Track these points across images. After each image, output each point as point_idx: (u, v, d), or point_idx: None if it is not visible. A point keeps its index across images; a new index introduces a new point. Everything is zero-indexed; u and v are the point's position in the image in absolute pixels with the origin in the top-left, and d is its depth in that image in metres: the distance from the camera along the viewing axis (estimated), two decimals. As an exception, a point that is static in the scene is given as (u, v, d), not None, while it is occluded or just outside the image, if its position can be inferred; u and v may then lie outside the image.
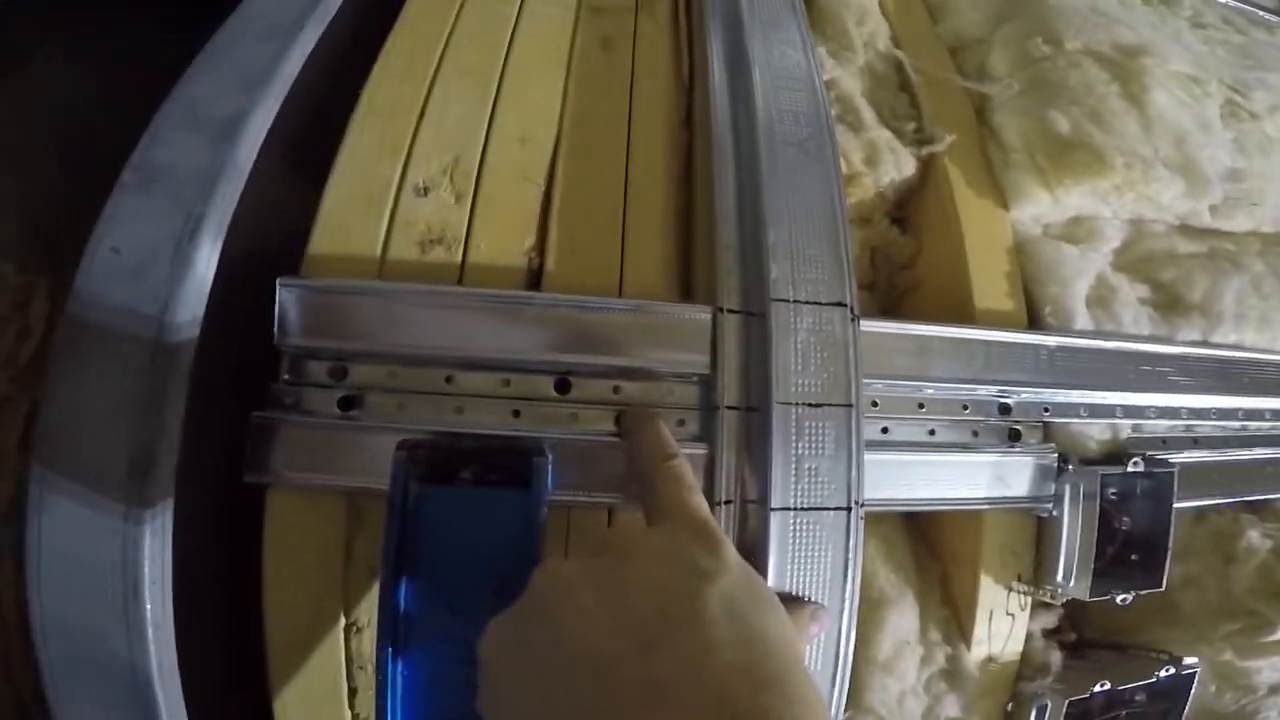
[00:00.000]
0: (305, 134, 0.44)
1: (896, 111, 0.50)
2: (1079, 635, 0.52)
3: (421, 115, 0.44)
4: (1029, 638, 0.46)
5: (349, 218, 0.40)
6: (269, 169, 0.41)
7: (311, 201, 0.41)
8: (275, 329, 0.37)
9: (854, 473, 0.34)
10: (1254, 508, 0.50)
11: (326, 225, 0.40)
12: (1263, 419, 0.49)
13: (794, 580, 0.34)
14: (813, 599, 0.35)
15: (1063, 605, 0.49)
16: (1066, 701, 0.44)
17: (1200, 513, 0.50)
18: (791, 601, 0.34)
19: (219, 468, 0.37)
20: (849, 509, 0.34)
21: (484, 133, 0.44)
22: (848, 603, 0.35)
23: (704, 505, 0.32)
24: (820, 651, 0.35)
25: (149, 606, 0.33)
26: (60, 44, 0.59)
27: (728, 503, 0.36)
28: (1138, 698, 0.48)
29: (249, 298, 0.38)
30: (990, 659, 0.45)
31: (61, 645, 0.34)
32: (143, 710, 0.34)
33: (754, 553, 0.34)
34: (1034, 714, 0.44)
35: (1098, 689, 0.44)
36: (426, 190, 0.41)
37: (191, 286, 0.35)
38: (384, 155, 0.42)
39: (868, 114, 0.47)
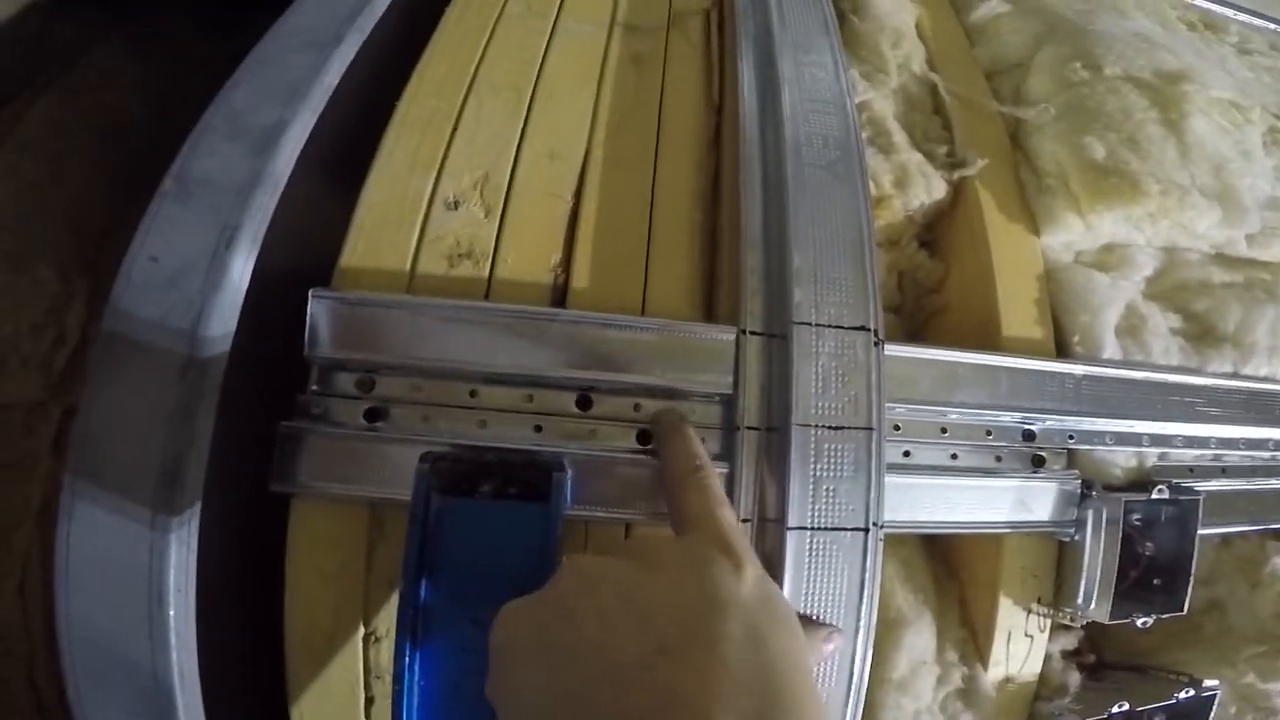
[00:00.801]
0: (341, 145, 0.45)
1: (929, 134, 0.50)
2: (1099, 657, 0.51)
3: (454, 130, 0.45)
4: (1047, 659, 0.46)
5: (381, 231, 0.41)
6: (305, 179, 0.42)
7: (344, 212, 0.42)
8: (306, 340, 0.37)
9: (873, 494, 0.34)
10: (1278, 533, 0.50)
11: (358, 238, 0.41)
12: (1294, 451, 0.48)
13: (810, 599, 0.35)
14: (828, 619, 0.35)
15: (1082, 627, 0.48)
16: None
17: (1225, 538, 0.49)
18: (807, 623, 0.34)
19: (246, 477, 0.38)
20: (867, 530, 0.34)
21: (515, 148, 0.45)
22: (864, 623, 0.35)
23: (731, 517, 0.32)
24: (835, 671, 0.35)
25: (172, 614, 0.34)
26: (107, 48, 0.61)
27: (746, 521, 0.36)
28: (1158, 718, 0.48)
29: (281, 308, 0.39)
30: (1008, 680, 0.45)
31: (86, 651, 0.35)
32: (163, 717, 0.35)
33: (771, 571, 0.34)
34: None
35: (1116, 710, 0.44)
36: (457, 204, 0.42)
37: (226, 297, 0.36)
38: (416, 169, 0.43)
39: (899, 136, 0.47)
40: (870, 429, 0.35)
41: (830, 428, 0.35)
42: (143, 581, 0.34)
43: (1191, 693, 0.46)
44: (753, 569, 0.29)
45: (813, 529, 0.34)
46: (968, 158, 0.47)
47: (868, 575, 0.35)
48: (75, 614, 0.34)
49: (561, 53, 0.49)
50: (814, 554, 0.34)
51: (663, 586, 0.27)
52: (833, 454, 0.35)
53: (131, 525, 0.34)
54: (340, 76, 0.45)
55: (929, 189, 0.46)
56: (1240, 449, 0.47)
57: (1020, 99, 0.51)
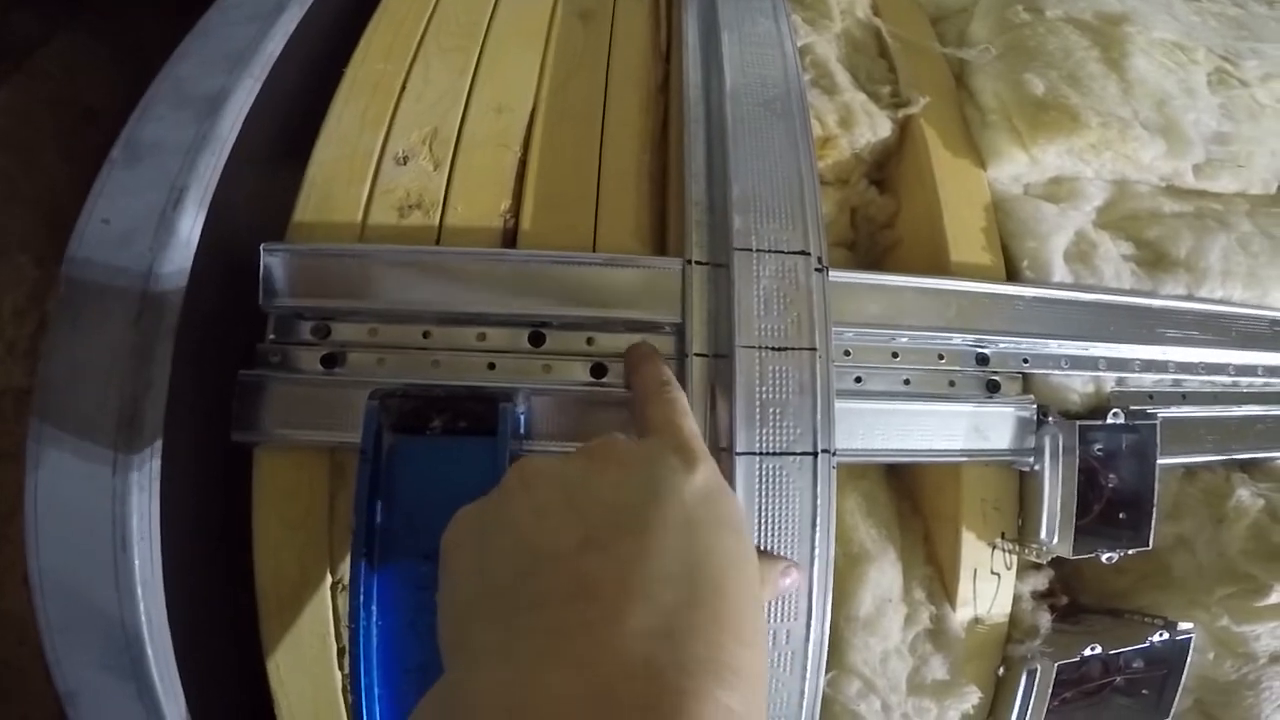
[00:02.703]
0: (291, 111, 0.46)
1: (874, 76, 0.51)
2: (1073, 600, 0.52)
3: (402, 90, 0.47)
4: (1017, 600, 0.47)
5: (331, 187, 0.43)
6: (254, 144, 0.44)
7: (296, 173, 0.43)
8: (260, 292, 0.39)
9: (820, 417, 0.36)
10: (1246, 467, 0.50)
11: (310, 194, 0.42)
12: (1255, 374, 0.50)
13: (763, 528, 0.35)
14: (783, 549, 0.35)
15: (1052, 566, 0.49)
16: (1056, 665, 0.44)
17: (1190, 471, 0.50)
18: (764, 555, 0.35)
19: (207, 427, 0.39)
20: (815, 454, 0.35)
21: (463, 105, 0.46)
22: (819, 552, 0.36)
23: (691, 426, 0.32)
24: (794, 604, 0.36)
25: (137, 561, 0.35)
26: (69, 36, 0.63)
27: (698, 449, 0.37)
28: (1134, 664, 0.48)
29: (236, 264, 0.40)
30: (977, 620, 0.46)
31: (58, 603, 0.36)
32: (134, 666, 0.36)
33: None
34: (1024, 678, 0.45)
35: (1088, 653, 0.45)
36: (406, 159, 0.44)
37: (175, 251, 0.38)
38: (366, 128, 0.45)
39: (842, 78, 0.49)
40: (814, 349, 0.36)
41: (774, 349, 0.36)
42: (106, 526, 0.35)
43: (1166, 635, 0.46)
44: (705, 469, 0.29)
45: (761, 454, 0.35)
46: (911, 97, 0.48)
47: (820, 501, 0.36)
48: (46, 566, 0.36)
49: (508, 13, 0.51)
50: (764, 480, 0.35)
51: (605, 482, 0.28)
52: (777, 375, 0.36)
53: (94, 470, 0.35)
54: (284, 45, 0.46)
55: (874, 127, 0.48)
56: (1200, 374, 0.48)
57: (964, 42, 0.52)
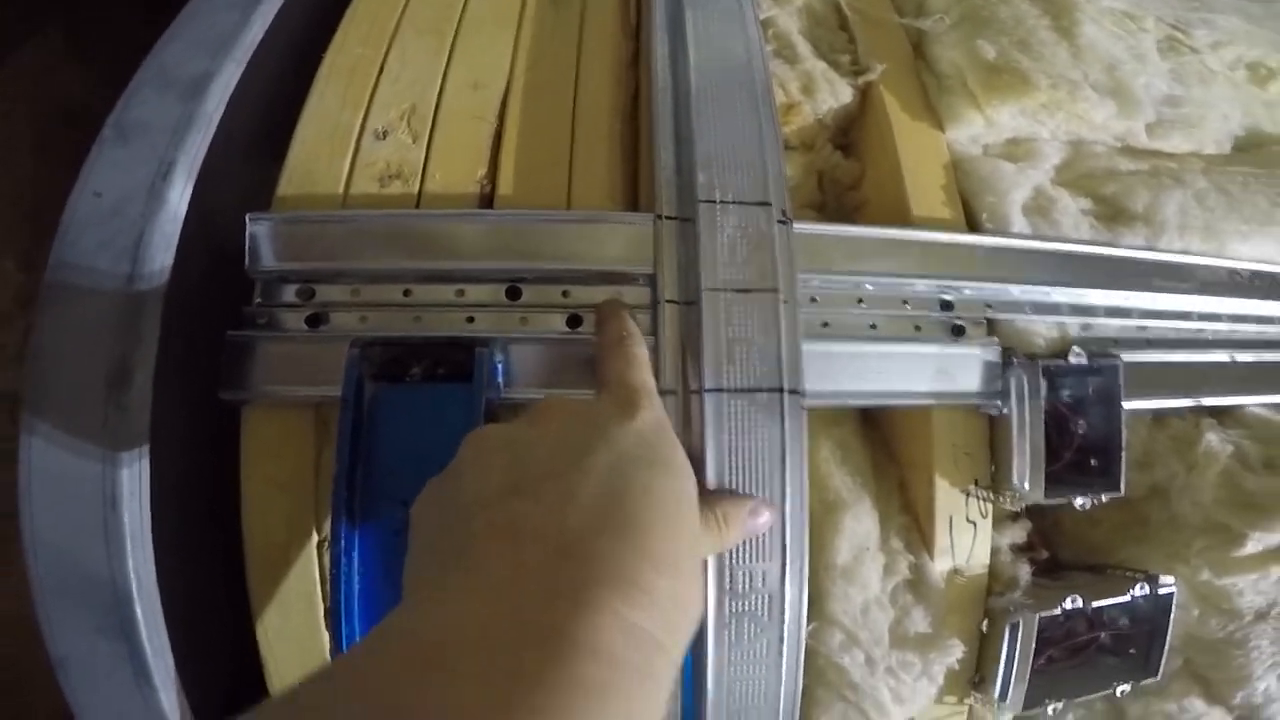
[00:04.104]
0: (274, 93, 0.49)
1: (834, 46, 0.55)
2: (1054, 556, 0.54)
3: (380, 72, 0.49)
4: (996, 552, 0.48)
5: (314, 162, 0.45)
6: (240, 123, 0.46)
7: (280, 150, 0.46)
8: (246, 258, 0.41)
9: (784, 354, 0.38)
10: (1217, 414, 0.52)
11: (293, 169, 0.45)
12: (1219, 321, 0.52)
13: (733, 465, 0.37)
14: (752, 487, 0.37)
15: (1031, 520, 0.51)
16: (1037, 618, 0.45)
17: (1159, 418, 0.52)
18: (733, 496, 0.37)
19: (196, 388, 0.41)
20: (781, 390, 0.37)
21: (439, 82, 0.49)
22: (790, 490, 0.38)
23: (642, 378, 0.34)
24: (766, 544, 0.37)
25: (126, 520, 0.37)
26: (45, 35, 0.65)
27: (671, 392, 0.39)
28: (1121, 621, 0.49)
29: (223, 233, 0.43)
30: (956, 571, 0.47)
31: (48, 563, 0.38)
32: (123, 628, 0.38)
33: (694, 438, 0.37)
34: (1007, 632, 0.46)
35: (1069, 605, 0.46)
36: (385, 134, 0.46)
37: (165, 221, 0.40)
38: (346, 108, 0.48)
39: (804, 48, 0.52)
40: (775, 290, 0.38)
41: (738, 291, 0.38)
42: (96, 487, 0.37)
43: (1147, 590, 0.48)
44: (647, 416, 0.31)
45: (729, 390, 0.37)
46: (870, 65, 0.52)
47: (788, 437, 0.38)
48: (38, 531, 0.38)
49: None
50: (733, 417, 0.37)
51: (545, 437, 0.30)
52: (742, 316, 0.38)
53: (85, 432, 0.37)
54: (266, 31, 0.49)
55: (835, 93, 0.51)
56: (1164, 319, 0.50)
57: (921, 13, 0.56)
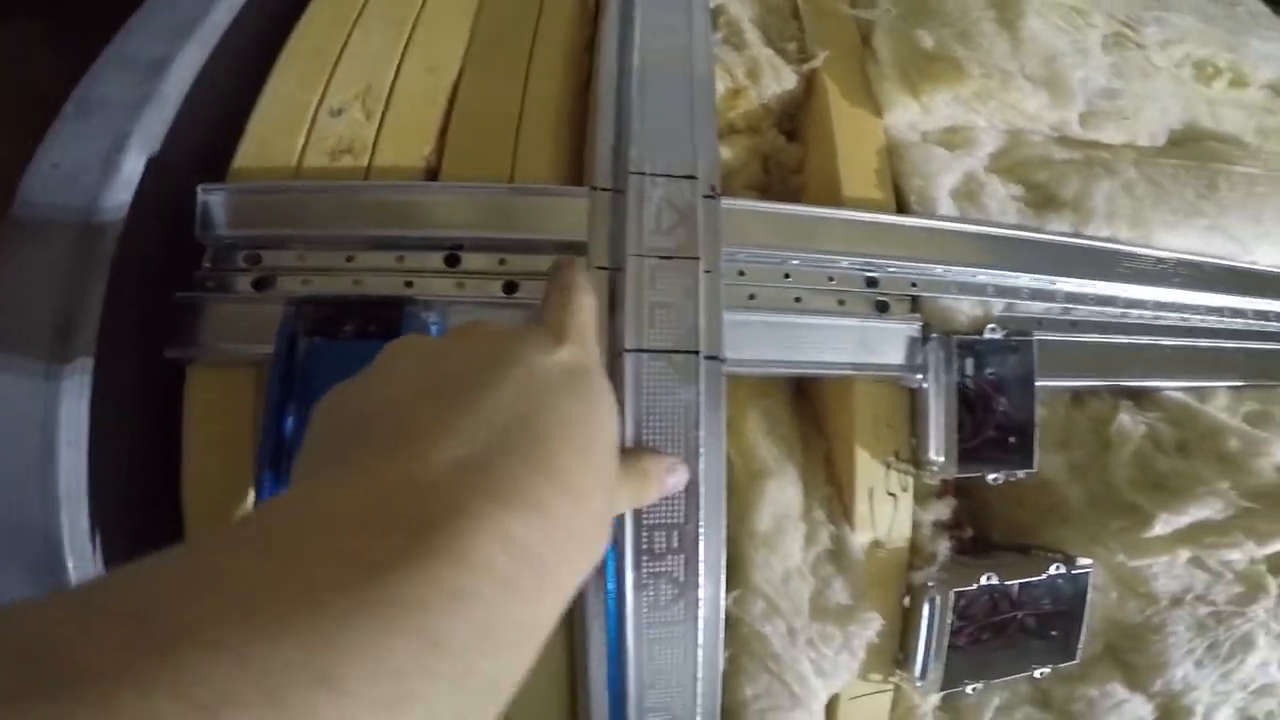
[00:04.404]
0: (242, 76, 0.51)
1: (784, 34, 0.57)
2: (983, 536, 0.56)
3: (341, 54, 0.52)
4: (917, 526, 0.50)
5: (269, 137, 0.48)
6: (203, 104, 0.48)
7: (240, 128, 0.48)
8: (197, 225, 0.43)
9: (702, 320, 0.40)
10: (1135, 397, 0.54)
11: (249, 143, 0.47)
12: (1145, 308, 0.54)
13: (650, 424, 0.39)
14: (666, 446, 0.39)
15: (957, 495, 0.53)
16: (953, 593, 0.47)
17: (1079, 398, 0.54)
18: (651, 453, 0.38)
19: (143, 347, 0.43)
20: (698, 353, 0.39)
21: (396, 65, 0.51)
22: (705, 448, 0.39)
23: (579, 320, 0.32)
24: (679, 504, 0.39)
25: (63, 470, 0.39)
26: (22, 25, 0.67)
27: (598, 356, 0.41)
28: (1041, 602, 0.51)
29: (177, 203, 0.45)
30: (877, 544, 0.49)
31: None
32: (55, 577, 0.39)
33: (616, 397, 0.39)
34: (926, 606, 0.48)
35: (984, 581, 0.47)
36: (340, 111, 0.49)
37: (117, 189, 0.43)
38: (304, 87, 0.50)
39: (752, 35, 0.54)
40: (696, 259, 0.41)
41: (661, 257, 0.40)
42: (35, 433, 0.39)
43: (1064, 570, 0.49)
44: (574, 349, 0.30)
45: (649, 351, 0.39)
46: (814, 52, 0.54)
47: (703, 398, 0.40)
48: (-22, 480, 0.39)
49: (443, -14, 0.56)
50: (650, 377, 0.39)
51: (466, 351, 0.28)
52: (664, 281, 0.40)
53: (27, 378, 0.39)
54: (237, 15, 0.52)
55: (779, 79, 0.53)
56: (1089, 304, 0.53)
57: (871, 3, 0.58)
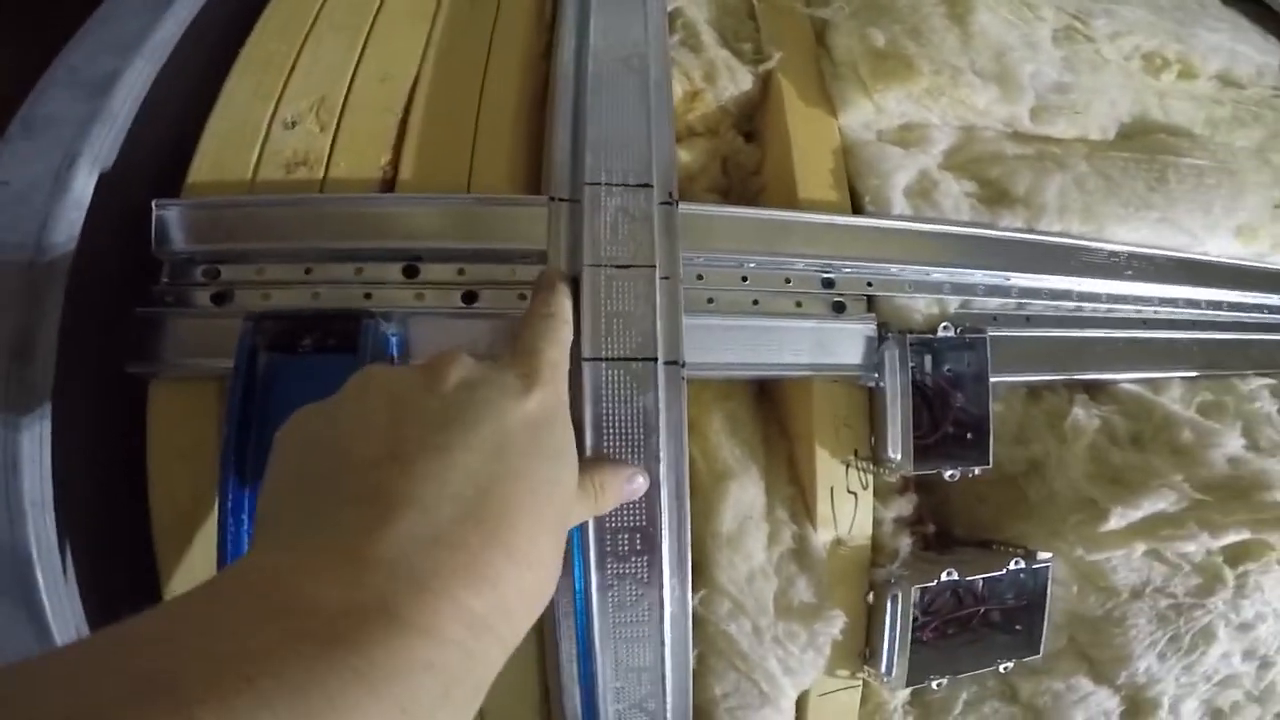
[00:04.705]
0: (192, 90, 0.52)
1: (740, 35, 0.58)
2: (946, 532, 0.57)
3: (294, 66, 0.52)
4: (879, 524, 0.52)
5: (224, 151, 0.48)
6: (153, 119, 0.49)
7: (192, 142, 0.48)
8: (153, 241, 0.44)
9: (660, 326, 0.41)
10: (1090, 390, 0.56)
11: (203, 159, 0.48)
12: (1099, 301, 0.55)
13: (609, 431, 0.40)
14: (626, 452, 0.40)
15: (918, 492, 0.54)
16: (916, 589, 0.48)
17: (1035, 392, 0.55)
18: (610, 463, 0.39)
19: (103, 362, 0.43)
20: (656, 360, 0.40)
21: (349, 75, 0.52)
22: (664, 453, 0.40)
23: (552, 355, 0.35)
24: (639, 510, 0.40)
25: (26, 484, 0.39)
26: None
27: (559, 363, 0.41)
28: (1003, 597, 0.53)
29: (132, 219, 0.45)
30: (839, 542, 0.50)
31: None
32: (23, 591, 0.40)
33: (575, 404, 0.40)
34: (889, 603, 0.49)
35: (945, 577, 0.49)
36: (294, 124, 0.49)
37: (69, 208, 0.43)
38: (257, 100, 0.50)
39: (708, 37, 0.55)
40: (652, 267, 0.41)
41: (618, 267, 0.41)
42: (-2, 452, 0.39)
43: (1024, 564, 0.51)
44: (543, 395, 0.32)
45: (606, 359, 0.40)
46: (769, 53, 0.55)
47: (662, 404, 0.40)
48: (-58, 503, 0.39)
49: (398, -7, 0.57)
50: (609, 385, 0.40)
51: (432, 398, 0.30)
52: (621, 290, 0.41)
53: (-14, 399, 0.39)
54: (186, 30, 0.52)
55: (735, 81, 0.54)
56: (1044, 299, 0.54)
57: (825, 1, 0.59)
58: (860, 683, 0.52)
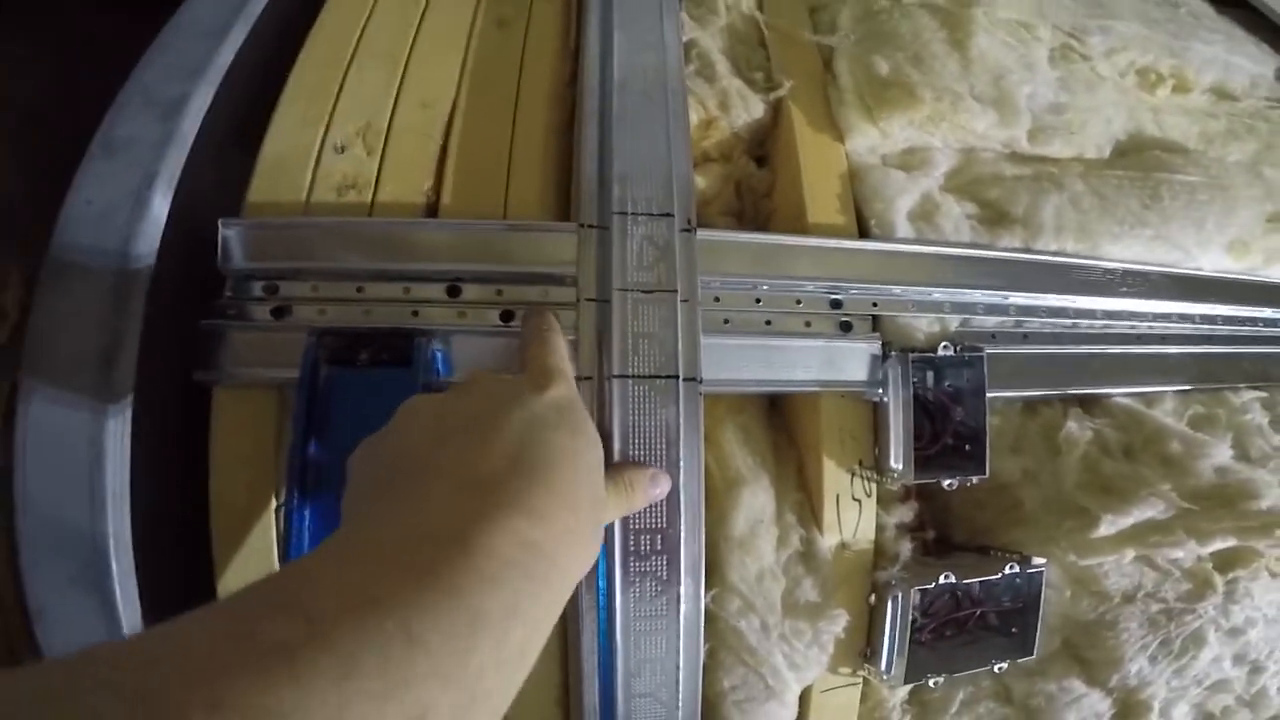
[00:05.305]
0: (243, 113, 0.57)
1: (752, 64, 0.63)
2: (949, 539, 0.62)
3: (339, 93, 0.57)
4: (882, 529, 0.56)
5: (280, 174, 0.53)
6: (212, 140, 0.54)
7: (249, 164, 0.54)
8: (219, 257, 0.49)
9: (682, 347, 0.46)
10: (1085, 404, 0.60)
11: (261, 180, 0.53)
12: (1094, 318, 0.60)
13: (635, 441, 0.45)
14: (654, 462, 0.45)
15: (920, 500, 0.58)
16: (915, 590, 0.52)
17: (1031, 406, 0.60)
18: (635, 465, 0.44)
19: (173, 370, 0.49)
20: (678, 378, 0.45)
21: (392, 102, 0.57)
22: (685, 462, 0.45)
23: (556, 362, 0.40)
24: (662, 511, 0.45)
25: (109, 478, 0.44)
26: (12, 41, 0.71)
27: (588, 378, 0.47)
28: (1000, 600, 0.56)
29: (199, 236, 0.50)
30: (844, 546, 0.55)
31: (35, 522, 0.44)
32: (98, 580, 0.44)
33: (604, 419, 0.45)
34: (890, 603, 0.53)
35: (944, 580, 0.53)
36: (343, 149, 0.54)
37: (148, 225, 0.48)
38: (307, 126, 0.55)
39: (722, 67, 0.60)
40: (675, 291, 0.46)
41: (643, 292, 0.46)
42: (84, 449, 0.44)
43: (1018, 569, 0.55)
44: (558, 389, 0.37)
45: (633, 377, 0.45)
46: (780, 81, 0.59)
47: (683, 417, 0.45)
48: (29, 488, 0.44)
49: (433, 23, 0.62)
50: (636, 401, 0.45)
51: (468, 404, 0.36)
52: (646, 314, 0.46)
53: (76, 403, 0.45)
54: (234, 57, 0.57)
55: (748, 109, 0.59)
56: (1041, 316, 0.59)
57: (834, 29, 0.63)
58: (860, 680, 0.56)
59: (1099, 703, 0.59)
